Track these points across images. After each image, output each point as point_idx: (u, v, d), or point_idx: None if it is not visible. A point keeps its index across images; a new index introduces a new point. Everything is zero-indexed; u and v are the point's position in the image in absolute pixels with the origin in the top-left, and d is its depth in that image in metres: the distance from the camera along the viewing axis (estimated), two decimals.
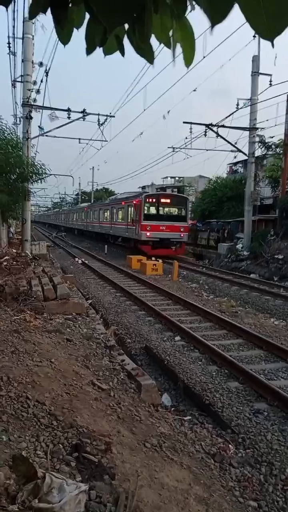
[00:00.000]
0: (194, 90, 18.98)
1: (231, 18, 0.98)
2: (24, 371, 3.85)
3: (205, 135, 19.65)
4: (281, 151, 22.06)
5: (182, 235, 21.60)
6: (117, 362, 5.33)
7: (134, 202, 22.56)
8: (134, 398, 4.32)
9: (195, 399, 5.40)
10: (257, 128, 20.04)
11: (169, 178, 58.75)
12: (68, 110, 16.54)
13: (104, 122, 17.74)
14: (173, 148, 22.27)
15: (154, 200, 21.78)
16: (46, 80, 14.95)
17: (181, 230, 21.55)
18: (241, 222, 22.50)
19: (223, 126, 19.54)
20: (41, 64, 15.16)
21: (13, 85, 17.32)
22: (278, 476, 3.65)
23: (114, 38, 1.31)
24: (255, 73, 19.20)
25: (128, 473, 2.71)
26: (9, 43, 14.58)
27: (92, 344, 5.92)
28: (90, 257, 22.39)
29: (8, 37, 14.42)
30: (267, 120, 31.34)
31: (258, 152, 21.71)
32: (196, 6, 1.20)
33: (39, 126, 17.28)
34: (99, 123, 17.67)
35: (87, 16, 1.28)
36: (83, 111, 16.97)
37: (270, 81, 17.91)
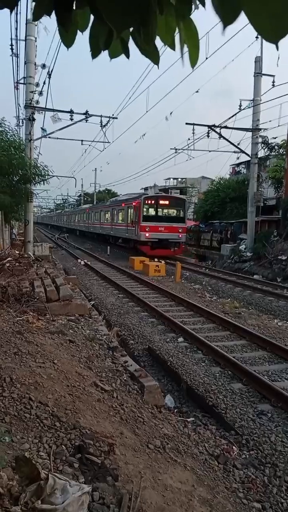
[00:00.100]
0: (197, 91, 18.93)
1: None
2: (27, 372, 3.85)
3: (207, 136, 19.65)
4: (284, 152, 22.04)
5: (180, 235, 22.20)
6: (120, 363, 5.32)
7: (133, 203, 22.98)
8: (137, 400, 4.32)
9: (198, 400, 5.38)
10: (260, 129, 19.99)
11: (171, 179, 58.70)
12: (71, 111, 16.58)
13: (107, 123, 17.78)
14: (176, 149, 22.27)
15: (153, 201, 22.33)
16: (49, 82, 15.01)
17: (179, 231, 22.10)
18: (244, 223, 22.47)
19: (225, 127, 19.53)
20: (43, 66, 15.23)
21: (16, 87, 17.39)
22: (282, 477, 3.64)
23: (119, 40, 1.31)
24: (258, 74, 19.18)
25: (132, 475, 2.70)
26: (11, 45, 14.65)
27: (95, 345, 5.92)
28: (93, 258, 22.42)
29: (11, 39, 14.48)
30: (270, 121, 31.31)
31: (261, 153, 21.70)
32: (200, 6, 1.20)
33: (41, 128, 17.35)
34: (101, 124, 17.70)
35: (91, 19, 1.28)
36: (86, 113, 17.01)
37: (273, 81, 17.90)
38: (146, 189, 43.22)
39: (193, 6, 1.21)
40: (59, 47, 14.79)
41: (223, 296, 12.84)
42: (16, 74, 16.78)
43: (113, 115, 17.83)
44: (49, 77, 14.82)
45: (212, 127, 19.40)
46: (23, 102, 16.57)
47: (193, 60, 1.30)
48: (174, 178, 58.96)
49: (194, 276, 16.64)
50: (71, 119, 16.70)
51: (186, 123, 19.51)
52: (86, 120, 17.09)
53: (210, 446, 3.89)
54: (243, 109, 19.23)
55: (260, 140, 20.76)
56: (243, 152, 20.62)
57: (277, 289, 13.64)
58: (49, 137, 17.77)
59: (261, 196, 21.00)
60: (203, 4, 1.17)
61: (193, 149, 21.11)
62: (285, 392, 5.23)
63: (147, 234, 21.21)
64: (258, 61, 19.13)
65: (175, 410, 4.99)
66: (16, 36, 15.05)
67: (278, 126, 18.86)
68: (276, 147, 22.79)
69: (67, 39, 1.38)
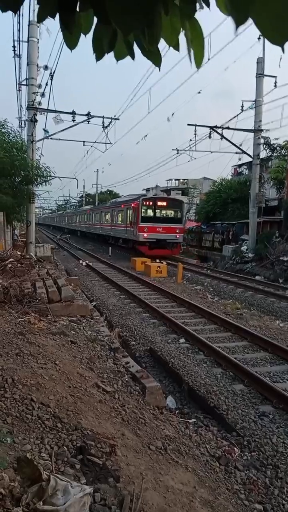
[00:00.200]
0: (199, 93, 18.96)
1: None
2: (29, 373, 3.85)
3: (209, 137, 19.65)
4: (286, 153, 22.01)
5: (177, 236, 22.65)
6: (121, 364, 5.32)
7: (132, 205, 23.30)
8: (138, 401, 4.31)
9: (199, 401, 5.38)
10: (262, 130, 20.00)
11: (173, 180, 58.72)
12: (73, 113, 16.62)
13: (109, 124, 17.83)
14: (178, 150, 22.29)
15: (151, 203, 22.71)
16: (51, 83, 15.04)
17: (177, 231, 22.55)
18: (246, 224, 22.47)
19: (227, 128, 19.54)
20: (46, 67, 15.27)
21: (18, 89, 17.45)
22: (283, 479, 3.64)
23: (123, 42, 1.31)
24: (260, 75, 19.18)
25: (133, 476, 2.70)
26: (14, 46, 14.71)
27: (97, 346, 5.92)
28: (94, 259, 22.44)
29: (14, 40, 14.55)
30: (272, 122, 31.37)
31: (263, 154, 21.66)
32: (204, 6, 1.20)
33: (44, 129, 17.41)
34: (103, 125, 17.75)
35: (94, 21, 1.28)
36: (88, 114, 17.04)
37: (275, 82, 17.92)
38: (147, 190, 43.27)
39: (197, 5, 1.21)
40: (61, 48, 14.87)
41: (225, 297, 12.83)
42: (19, 75, 16.91)
43: (115, 116, 17.89)
44: (51, 79, 14.86)
45: (214, 128, 19.40)
46: (25, 103, 16.64)
47: (199, 61, 1.30)
48: (176, 179, 59.02)
49: (195, 277, 16.63)
50: (73, 120, 16.76)
51: (188, 124, 19.53)
52: (88, 122, 17.13)
53: (211, 448, 3.89)
54: (245, 110, 19.24)
55: (262, 141, 20.74)
56: (245, 153, 20.63)
57: (279, 290, 13.63)
58: (51, 138, 17.82)
59: (263, 197, 20.97)
60: (208, 5, 1.17)
61: (195, 150, 21.12)
62: (286, 393, 5.22)
63: (145, 235, 21.60)
64: (260, 62, 19.12)
65: (177, 411, 4.98)
66: (19, 38, 15.17)
67: (280, 127, 19.18)
68: (278, 148, 22.74)
69: (71, 41, 1.38)
